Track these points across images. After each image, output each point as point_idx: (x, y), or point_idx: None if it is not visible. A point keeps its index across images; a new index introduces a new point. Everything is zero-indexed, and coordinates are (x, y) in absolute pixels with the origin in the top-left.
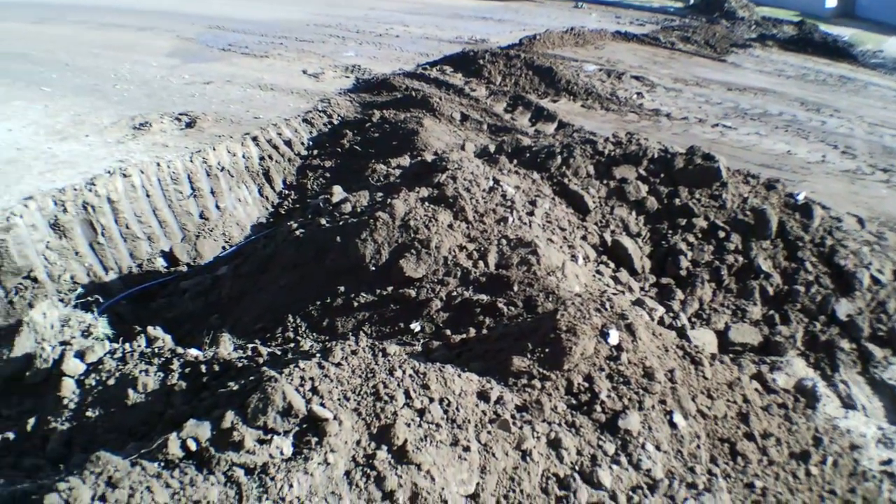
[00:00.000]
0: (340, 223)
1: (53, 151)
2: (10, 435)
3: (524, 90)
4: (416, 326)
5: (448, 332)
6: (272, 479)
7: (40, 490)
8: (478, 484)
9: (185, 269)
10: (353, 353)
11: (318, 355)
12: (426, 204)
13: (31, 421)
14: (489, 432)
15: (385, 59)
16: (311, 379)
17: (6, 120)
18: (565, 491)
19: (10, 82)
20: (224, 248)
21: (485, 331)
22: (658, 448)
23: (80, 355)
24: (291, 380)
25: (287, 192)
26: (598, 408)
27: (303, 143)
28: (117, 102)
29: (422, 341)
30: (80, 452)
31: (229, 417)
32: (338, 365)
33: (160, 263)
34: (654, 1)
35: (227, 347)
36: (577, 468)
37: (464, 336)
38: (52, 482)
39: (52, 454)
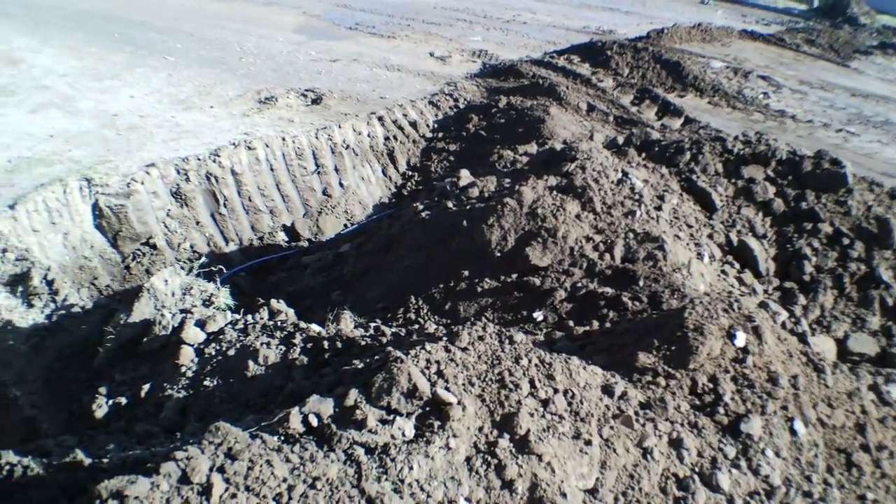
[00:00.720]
0: (467, 207)
1: (177, 120)
2: (123, 400)
3: (651, 83)
4: (538, 315)
5: (571, 323)
6: (392, 459)
7: (153, 457)
8: (597, 479)
9: (305, 244)
10: (480, 338)
11: (444, 339)
12: (554, 192)
13: (146, 387)
14: (612, 427)
15: (512, 46)
16: (437, 362)
17: (128, 87)
18: (684, 492)
19: (132, 50)
20: (346, 225)
21: (608, 324)
22: (777, 454)
23: (201, 324)
24: (417, 361)
25: (410, 173)
26: (721, 410)
27: (428, 126)
28: (243, 75)
29: (544, 331)
30: (196, 421)
31: (353, 395)
32: (464, 350)
33: (281, 237)
34: (779, 2)
35: (348, 325)
36: (696, 470)
37: (587, 328)
38: (169, 450)
39: (166, 422)
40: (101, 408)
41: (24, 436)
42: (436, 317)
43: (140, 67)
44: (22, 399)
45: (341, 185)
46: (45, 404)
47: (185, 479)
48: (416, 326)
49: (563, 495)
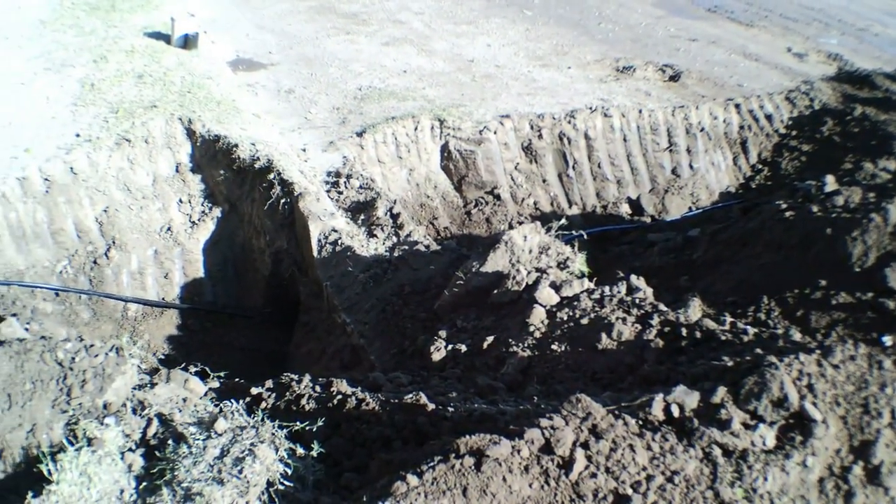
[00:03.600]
0: (832, 215)
1: (532, 76)
2: (463, 347)
3: None
4: (888, 341)
5: None
6: (749, 467)
7: (501, 415)
8: None
9: (648, 220)
10: (851, 358)
11: (817, 351)
12: None
13: (489, 339)
14: None
15: (865, 55)
16: (809, 375)
17: (484, 35)
18: None
19: None
20: (690, 208)
21: None
22: None
23: (556, 287)
24: (790, 371)
25: (760, 166)
26: None
27: (782, 121)
28: (601, 41)
29: (892, 358)
30: (537, 384)
31: (721, 393)
32: (835, 367)
33: (624, 209)
34: None
35: (696, 313)
36: None
37: None
38: (519, 411)
39: (506, 378)
40: (438, 351)
41: (347, 362)
42: (785, 322)
43: (497, 17)
44: (352, 326)
45: (691, 166)
46: (374, 336)
47: (547, 448)
48: (780, 331)
49: None
